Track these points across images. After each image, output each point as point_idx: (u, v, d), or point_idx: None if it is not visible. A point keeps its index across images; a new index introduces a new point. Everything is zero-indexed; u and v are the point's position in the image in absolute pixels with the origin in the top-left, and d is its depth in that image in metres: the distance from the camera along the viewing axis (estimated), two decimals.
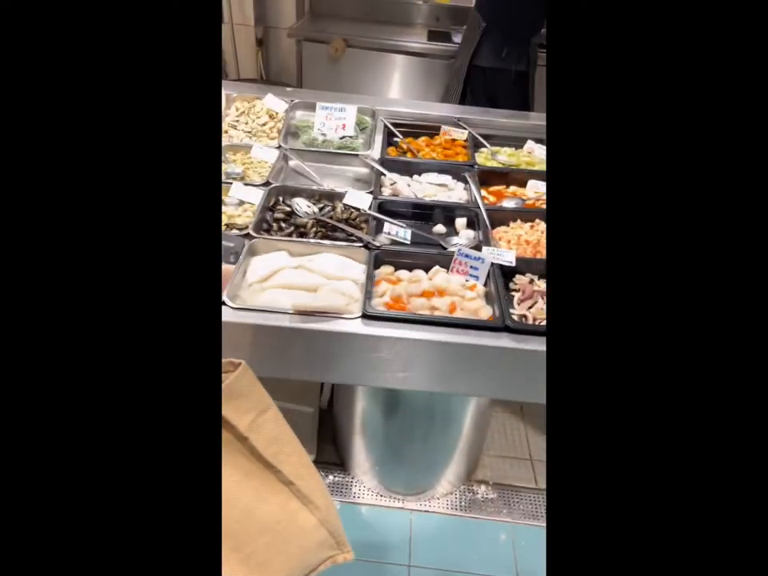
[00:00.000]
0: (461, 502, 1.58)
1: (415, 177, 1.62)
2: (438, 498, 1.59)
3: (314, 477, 0.78)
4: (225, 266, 1.24)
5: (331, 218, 1.37)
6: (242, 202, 1.44)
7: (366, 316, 1.09)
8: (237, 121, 1.76)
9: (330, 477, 1.61)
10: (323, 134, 1.73)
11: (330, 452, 1.67)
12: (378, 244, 1.28)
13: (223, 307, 1.08)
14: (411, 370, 1.11)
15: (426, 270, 1.26)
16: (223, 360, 0.63)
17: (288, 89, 1.96)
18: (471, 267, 1.23)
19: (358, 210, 1.42)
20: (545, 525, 1.55)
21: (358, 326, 1.08)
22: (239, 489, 0.65)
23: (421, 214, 1.49)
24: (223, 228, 1.33)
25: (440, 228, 1.45)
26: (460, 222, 1.44)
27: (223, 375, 0.62)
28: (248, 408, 0.64)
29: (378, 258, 1.27)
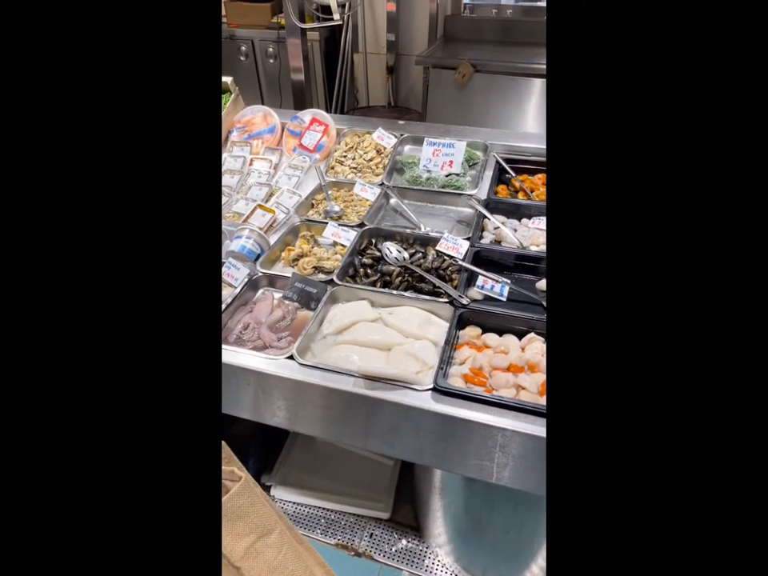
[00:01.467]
0: None
1: (524, 221, 1.45)
2: None
3: None
4: (303, 313, 1.21)
5: (420, 266, 1.27)
6: (335, 244, 1.40)
7: (438, 390, 0.96)
8: (344, 156, 1.75)
9: (404, 541, 1.48)
10: (428, 171, 1.64)
11: (407, 513, 1.54)
12: (465, 301, 1.14)
13: (290, 362, 1.04)
14: (484, 459, 0.95)
15: (520, 337, 1.09)
16: (225, 468, 0.57)
17: (401, 122, 1.90)
18: None
19: (451, 258, 1.29)
20: None
21: (427, 401, 0.96)
22: None
23: (524, 266, 1.31)
24: (311, 271, 1.31)
25: (544, 284, 1.26)
26: None
27: (226, 483, 0.55)
28: (246, 530, 0.55)
29: (464, 318, 1.13)
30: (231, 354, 1.07)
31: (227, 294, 1.22)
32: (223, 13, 3.72)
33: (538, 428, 0.90)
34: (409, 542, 1.48)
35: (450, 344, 1.07)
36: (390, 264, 1.28)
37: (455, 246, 1.31)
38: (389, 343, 1.10)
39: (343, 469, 1.61)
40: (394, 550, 1.47)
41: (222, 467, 0.57)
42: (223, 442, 0.61)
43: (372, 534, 1.50)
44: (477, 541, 1.40)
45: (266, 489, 1.59)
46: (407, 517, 1.54)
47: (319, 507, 1.56)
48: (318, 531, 1.50)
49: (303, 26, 1.95)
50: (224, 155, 1.75)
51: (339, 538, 1.49)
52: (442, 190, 1.57)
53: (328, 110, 1.97)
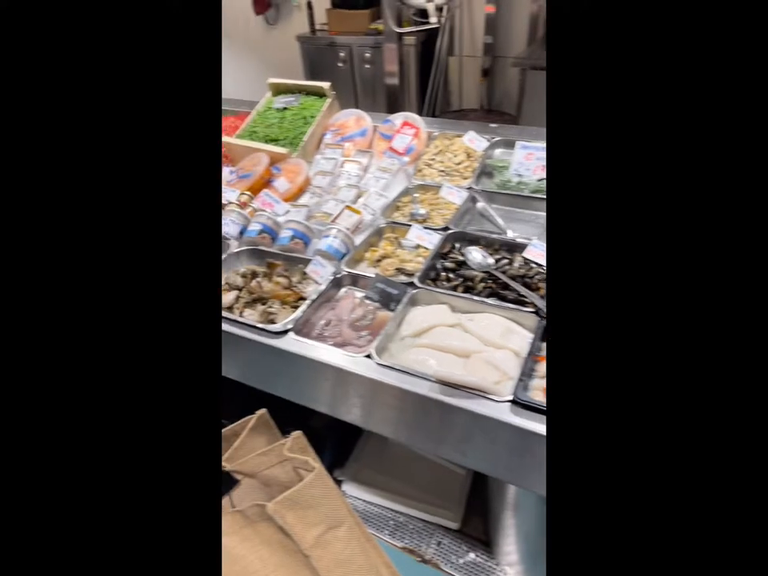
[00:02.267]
0: None
1: None
2: None
3: None
4: (382, 314, 1.22)
5: (505, 272, 1.23)
6: (418, 246, 1.40)
7: (517, 402, 0.92)
8: (433, 159, 1.74)
9: (472, 554, 1.44)
10: (519, 175, 1.58)
11: (477, 525, 1.50)
12: None
13: (368, 360, 1.05)
14: None
15: None
16: (300, 456, 0.58)
17: (493, 125, 1.86)
18: None
19: (538, 265, 1.24)
20: None
21: (505, 413, 0.92)
22: None
23: None
24: (393, 272, 1.31)
25: None
26: None
27: (297, 473, 0.56)
28: (316, 520, 0.56)
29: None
30: (312, 349, 1.10)
31: (312, 291, 1.26)
32: (325, 20, 3.88)
33: None
34: (477, 555, 1.44)
35: (533, 355, 1.02)
36: (473, 269, 1.25)
37: (543, 254, 1.25)
38: (468, 350, 1.07)
39: (414, 472, 1.60)
40: (461, 561, 1.43)
41: (298, 456, 0.58)
42: (300, 432, 0.63)
43: (440, 542, 1.48)
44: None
45: (338, 483, 1.62)
46: (477, 530, 1.50)
47: (388, 508, 1.56)
48: (386, 532, 1.50)
49: (400, 30, 1.97)
50: (317, 157, 1.82)
51: (407, 541, 1.48)
52: (533, 195, 1.51)
53: (420, 113, 1.98)
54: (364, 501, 1.59)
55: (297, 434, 0.63)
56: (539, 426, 0.89)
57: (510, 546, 1.39)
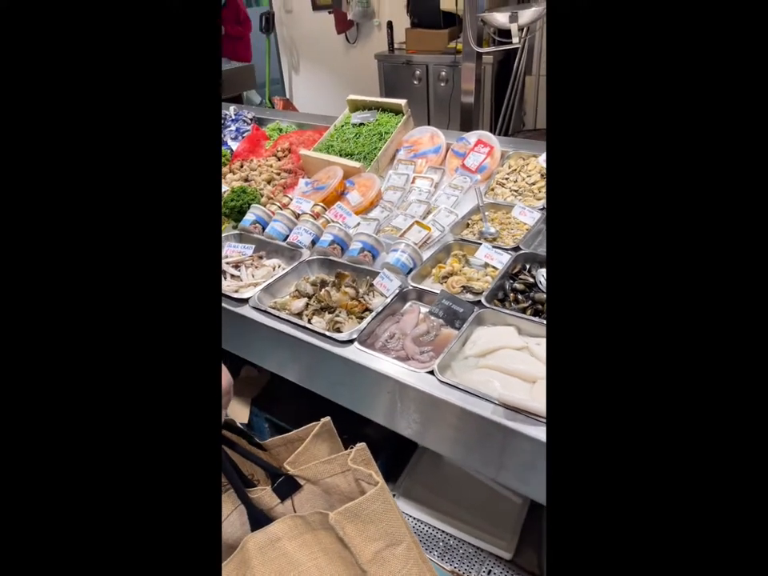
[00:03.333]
0: None
1: None
2: None
3: None
4: (447, 331, 1.21)
5: None
6: (486, 265, 1.39)
7: None
8: (506, 179, 1.72)
9: None
10: None
11: (531, 559, 1.44)
12: None
13: (430, 377, 1.05)
14: None
15: None
16: (363, 469, 0.58)
17: None
18: None
19: None
20: None
21: None
22: None
23: None
24: (459, 290, 1.31)
25: None
26: None
27: (358, 485, 0.57)
28: (376, 536, 0.56)
29: None
30: (375, 360, 1.11)
31: (378, 303, 1.28)
32: (403, 39, 3.97)
33: None
34: None
35: None
36: (543, 292, 1.22)
37: None
38: (534, 375, 1.04)
39: (469, 495, 1.57)
40: None
41: (361, 468, 0.59)
42: (364, 444, 0.64)
43: (491, 571, 1.43)
44: None
45: None
46: (530, 563, 1.43)
47: (439, 529, 1.53)
48: (435, 553, 1.48)
49: (480, 50, 1.98)
50: (389, 172, 1.85)
51: (456, 565, 1.45)
52: None
53: (493, 132, 1.97)
54: (414, 518, 1.58)
55: (361, 445, 0.64)
56: None
57: None
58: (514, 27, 1.71)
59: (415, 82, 3.83)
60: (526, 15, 1.78)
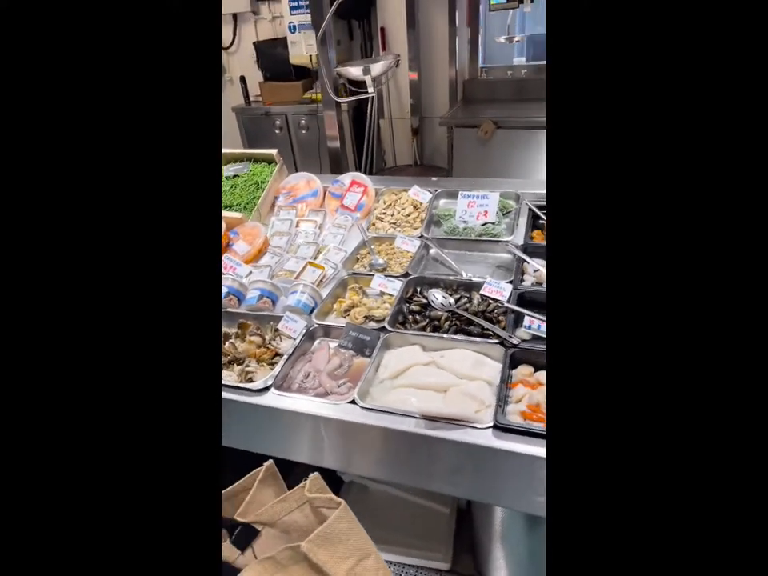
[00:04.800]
0: None
1: None
2: None
3: None
4: (358, 360, 1.27)
5: (467, 310, 1.33)
6: (382, 293, 1.48)
7: (498, 427, 0.99)
8: (383, 213, 1.86)
9: None
10: (465, 222, 1.73)
11: (468, 563, 1.51)
12: (515, 341, 1.19)
13: (352, 406, 1.09)
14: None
15: None
16: (322, 495, 0.61)
17: (434, 179, 2.03)
18: None
19: (496, 301, 1.35)
20: None
21: (489, 438, 0.99)
22: None
23: None
24: (362, 320, 1.38)
25: None
26: None
27: (317, 514, 0.59)
28: (347, 554, 0.59)
29: (515, 357, 1.17)
30: (295, 402, 1.13)
31: (288, 346, 1.30)
32: (258, 92, 4.07)
33: None
34: None
35: (505, 383, 1.10)
36: (437, 309, 1.34)
37: (499, 290, 1.37)
38: (444, 384, 1.14)
39: (398, 517, 1.60)
40: None
41: (320, 495, 0.61)
42: (317, 474, 0.66)
43: None
44: None
45: None
46: (468, 567, 1.51)
47: None
48: None
49: (339, 99, 2.14)
50: (272, 219, 1.89)
51: None
52: (480, 238, 1.65)
53: (358, 171, 2.12)
54: None
55: (314, 475, 0.66)
56: (524, 447, 0.96)
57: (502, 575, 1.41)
58: (368, 79, 1.89)
59: (277, 131, 3.93)
60: (377, 68, 1.98)
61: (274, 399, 1.14)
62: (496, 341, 1.21)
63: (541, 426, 0.99)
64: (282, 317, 1.36)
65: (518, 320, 1.27)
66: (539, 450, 0.95)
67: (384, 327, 1.30)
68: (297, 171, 2.06)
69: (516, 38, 3.20)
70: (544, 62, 3.47)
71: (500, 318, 1.30)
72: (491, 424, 1.00)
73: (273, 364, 1.26)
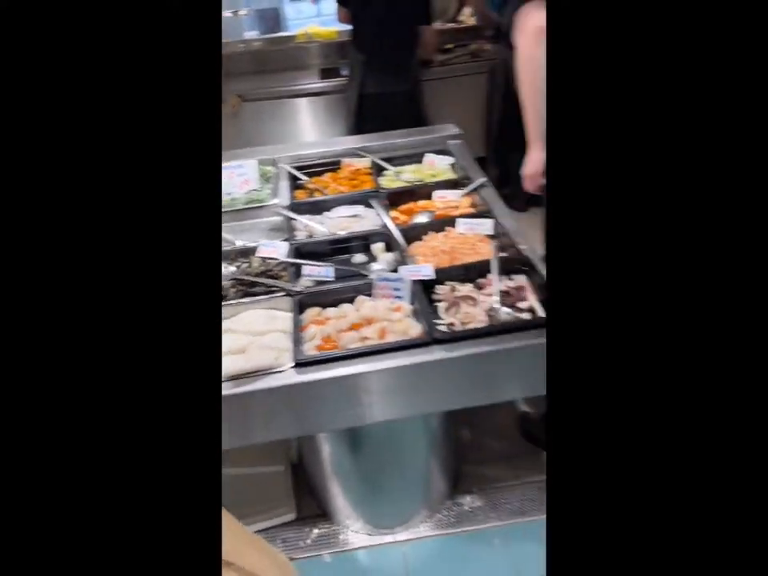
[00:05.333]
0: (449, 519, 1.56)
1: (326, 214, 1.65)
2: (428, 521, 1.57)
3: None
4: None
5: (248, 273, 1.37)
6: None
7: (298, 364, 1.09)
8: None
9: (316, 530, 1.56)
10: (229, 194, 1.74)
11: (312, 505, 1.62)
12: (298, 289, 1.29)
13: None
14: (357, 406, 1.10)
15: (352, 302, 1.27)
16: None
17: None
18: (394, 289, 1.25)
19: (274, 259, 1.42)
20: (531, 519, 1.54)
21: (292, 376, 1.07)
22: None
23: (339, 248, 1.51)
24: None
25: (360, 258, 1.47)
26: (377, 248, 1.47)
27: None
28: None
29: (303, 303, 1.27)
30: None
31: None
32: None
33: (385, 363, 1.08)
34: (320, 528, 1.57)
35: (297, 327, 1.20)
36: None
37: (274, 249, 1.44)
38: (242, 346, 1.18)
39: (237, 493, 1.61)
40: (308, 542, 1.54)
41: None
42: None
43: (285, 539, 1.54)
44: (377, 498, 1.55)
45: None
46: (313, 508, 1.62)
47: None
48: None
49: None
50: None
51: None
52: (247, 206, 1.69)
53: None
54: None
55: None
56: (326, 373, 1.07)
57: (341, 502, 1.56)
58: None
59: None
60: None
61: None
62: (281, 294, 1.29)
63: (333, 352, 1.12)
64: None
65: (298, 272, 1.37)
66: (339, 370, 1.07)
67: None
68: None
69: (241, 12, 3.19)
70: (276, 35, 3.56)
71: (282, 273, 1.38)
72: (292, 364, 1.09)
73: None
